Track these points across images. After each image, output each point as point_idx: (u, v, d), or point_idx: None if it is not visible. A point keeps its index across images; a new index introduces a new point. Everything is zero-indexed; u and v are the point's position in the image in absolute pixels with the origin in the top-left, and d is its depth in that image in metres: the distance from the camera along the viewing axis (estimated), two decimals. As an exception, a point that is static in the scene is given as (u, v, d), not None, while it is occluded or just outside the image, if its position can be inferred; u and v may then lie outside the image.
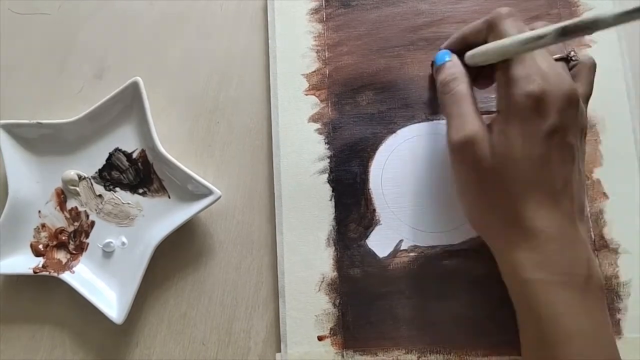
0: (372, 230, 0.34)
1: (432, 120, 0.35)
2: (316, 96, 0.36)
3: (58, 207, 0.36)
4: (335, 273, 0.34)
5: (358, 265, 0.34)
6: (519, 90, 0.26)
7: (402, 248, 0.34)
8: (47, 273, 0.34)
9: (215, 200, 0.33)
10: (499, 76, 0.28)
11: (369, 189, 0.35)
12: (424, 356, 0.32)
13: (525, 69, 0.26)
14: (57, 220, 0.36)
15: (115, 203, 0.35)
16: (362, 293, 0.33)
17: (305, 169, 0.35)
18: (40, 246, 0.35)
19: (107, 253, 0.35)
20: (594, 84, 0.29)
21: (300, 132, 0.35)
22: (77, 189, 0.36)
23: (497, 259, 0.29)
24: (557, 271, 0.26)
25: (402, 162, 0.35)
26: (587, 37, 0.36)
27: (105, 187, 0.36)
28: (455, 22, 0.36)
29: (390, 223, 0.34)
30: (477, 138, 0.27)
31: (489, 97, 0.34)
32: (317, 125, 0.36)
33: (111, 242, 0.35)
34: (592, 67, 0.29)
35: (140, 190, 0.35)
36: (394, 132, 0.35)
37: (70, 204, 0.36)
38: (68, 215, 0.36)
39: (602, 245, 0.33)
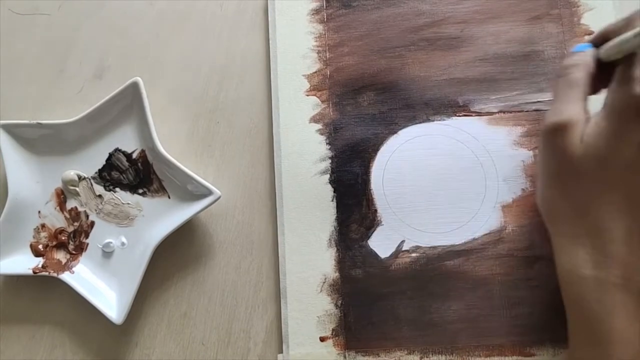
0: (373, 231, 0.34)
1: (433, 120, 0.35)
2: (317, 97, 0.36)
3: (58, 207, 0.36)
4: (337, 274, 0.34)
5: (360, 265, 0.34)
6: (630, 89, 0.25)
7: (403, 249, 0.34)
8: (46, 273, 0.34)
9: (215, 201, 0.33)
10: (617, 71, 0.27)
11: (370, 190, 0.35)
12: (426, 357, 0.32)
13: None
14: (57, 220, 0.35)
15: (115, 203, 0.35)
16: (364, 294, 0.33)
17: (307, 169, 0.35)
18: (40, 246, 0.35)
19: (107, 253, 0.35)
20: None
21: (301, 132, 0.35)
22: (77, 189, 0.36)
23: (555, 252, 0.28)
24: (616, 274, 0.25)
25: (403, 162, 0.35)
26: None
27: (105, 187, 0.36)
28: (456, 22, 0.36)
29: (392, 223, 0.34)
30: (571, 123, 0.27)
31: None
32: (318, 126, 0.35)
33: (111, 243, 0.35)
34: None
35: (140, 191, 0.35)
36: (396, 132, 0.35)
37: (70, 204, 0.36)
38: (68, 216, 0.35)
39: None
